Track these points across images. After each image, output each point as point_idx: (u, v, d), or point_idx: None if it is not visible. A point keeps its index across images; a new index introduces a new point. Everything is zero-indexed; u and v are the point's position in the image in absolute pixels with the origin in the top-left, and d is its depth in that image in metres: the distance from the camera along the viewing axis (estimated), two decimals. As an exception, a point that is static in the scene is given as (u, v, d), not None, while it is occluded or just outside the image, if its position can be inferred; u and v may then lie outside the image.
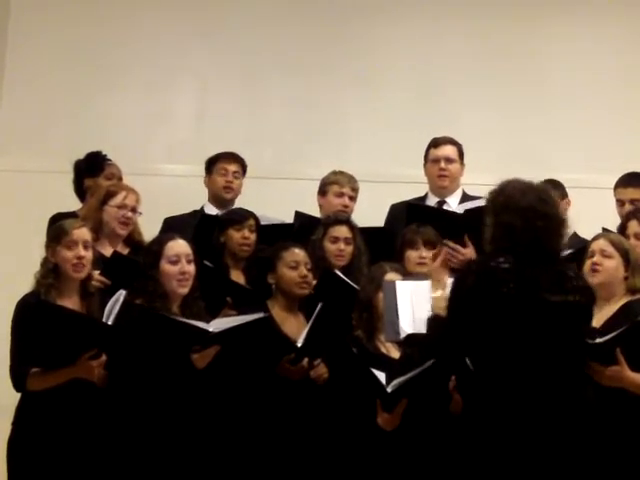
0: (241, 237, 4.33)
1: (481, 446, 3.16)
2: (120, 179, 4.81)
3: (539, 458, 3.12)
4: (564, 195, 4.88)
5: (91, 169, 4.75)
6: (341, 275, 4.14)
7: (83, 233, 3.76)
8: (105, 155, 4.84)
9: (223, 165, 4.88)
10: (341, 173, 4.82)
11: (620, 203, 4.70)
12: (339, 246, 4.30)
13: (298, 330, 3.88)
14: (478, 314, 3.15)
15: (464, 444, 3.25)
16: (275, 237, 4.31)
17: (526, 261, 3.17)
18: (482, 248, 3.45)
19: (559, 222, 3.28)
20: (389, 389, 3.39)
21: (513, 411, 3.13)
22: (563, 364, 3.19)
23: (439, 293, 3.41)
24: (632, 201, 4.64)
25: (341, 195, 4.76)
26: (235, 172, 4.89)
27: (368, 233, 4.43)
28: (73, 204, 4.70)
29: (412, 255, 4.14)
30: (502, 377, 3.16)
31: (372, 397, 3.46)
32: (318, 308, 3.79)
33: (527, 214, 3.21)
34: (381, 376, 3.46)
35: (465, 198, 4.69)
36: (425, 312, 3.49)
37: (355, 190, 4.80)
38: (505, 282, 3.13)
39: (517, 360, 3.15)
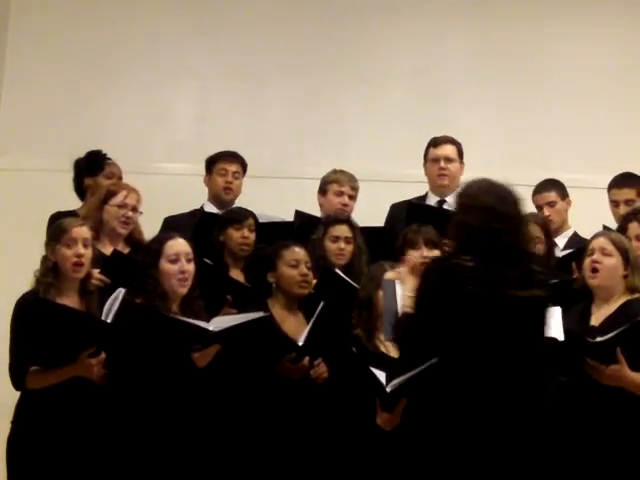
0: (240, 236, 4.32)
1: (444, 442, 3.17)
2: (120, 178, 4.80)
3: (504, 454, 3.12)
4: (565, 195, 4.88)
5: (91, 168, 4.74)
6: (341, 274, 4.14)
7: (82, 231, 3.75)
8: (105, 154, 4.82)
9: (223, 166, 4.86)
10: (341, 172, 4.83)
11: (615, 204, 4.69)
12: (339, 245, 4.31)
13: (298, 329, 3.88)
14: (444, 312, 3.17)
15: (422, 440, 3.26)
16: (275, 236, 4.30)
17: (489, 260, 3.18)
18: None
19: (519, 221, 3.28)
20: (388, 389, 3.39)
21: (482, 408, 3.13)
22: (531, 359, 3.19)
23: (410, 293, 3.42)
24: (627, 201, 4.64)
25: (341, 194, 4.76)
26: (235, 172, 4.87)
27: (368, 233, 4.43)
28: (73, 203, 4.70)
29: (413, 255, 4.12)
30: (471, 374, 3.16)
31: (372, 397, 3.45)
32: (320, 307, 3.78)
33: (485, 214, 3.23)
34: (381, 375, 3.45)
35: (465, 197, 4.68)
36: None
37: (355, 189, 4.80)
38: (469, 280, 3.15)
39: (485, 357, 3.15)
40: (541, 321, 3.24)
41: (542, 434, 3.17)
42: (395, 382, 3.39)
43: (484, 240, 3.21)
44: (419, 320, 3.24)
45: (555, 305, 3.70)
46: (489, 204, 3.24)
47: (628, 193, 4.67)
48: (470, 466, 3.12)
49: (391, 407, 3.44)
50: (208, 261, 4.12)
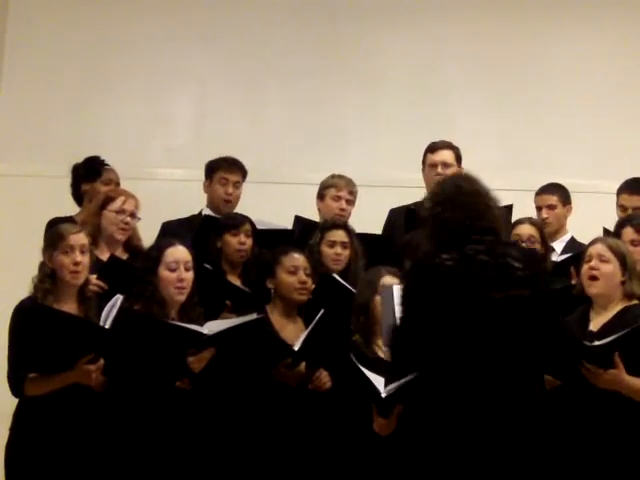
0: (237, 242, 4.30)
1: (436, 447, 3.16)
2: (118, 184, 4.78)
3: (491, 459, 3.10)
4: (567, 201, 4.84)
5: (89, 174, 4.71)
6: (340, 279, 4.13)
7: (80, 238, 3.74)
8: (103, 160, 4.80)
9: (224, 175, 4.78)
10: (339, 177, 4.82)
11: (622, 209, 4.66)
12: (336, 250, 4.30)
13: (297, 335, 3.86)
14: (428, 315, 3.15)
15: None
16: (275, 243, 4.29)
17: (463, 257, 3.16)
18: None
19: (473, 210, 3.24)
20: (383, 394, 3.38)
21: (463, 414, 3.11)
22: (513, 362, 3.16)
23: None
24: (635, 209, 4.60)
25: (338, 199, 4.76)
26: (236, 182, 4.79)
27: (365, 239, 4.42)
28: (71, 209, 4.69)
29: None
30: (456, 379, 3.14)
31: (368, 402, 3.45)
32: (320, 314, 3.75)
33: (447, 206, 3.24)
34: (379, 380, 3.44)
35: (464, 201, 4.66)
36: None
37: (353, 193, 4.79)
38: (448, 282, 3.14)
39: (468, 360, 3.13)
40: (524, 320, 3.18)
41: (528, 437, 3.14)
42: (390, 388, 3.39)
43: (450, 231, 3.21)
44: (406, 327, 3.22)
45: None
46: (450, 195, 3.26)
47: (638, 201, 4.63)
48: (458, 470, 3.11)
49: (387, 413, 3.44)
50: (208, 266, 4.11)
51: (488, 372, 3.14)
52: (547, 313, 3.26)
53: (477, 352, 3.13)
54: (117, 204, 4.27)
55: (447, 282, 3.13)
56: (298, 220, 4.70)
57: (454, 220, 3.22)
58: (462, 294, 3.13)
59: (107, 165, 4.80)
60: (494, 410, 3.12)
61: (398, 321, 3.26)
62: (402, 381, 3.36)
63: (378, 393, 3.37)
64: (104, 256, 4.15)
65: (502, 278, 3.15)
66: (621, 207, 4.68)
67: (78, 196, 4.74)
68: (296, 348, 3.75)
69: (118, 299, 3.59)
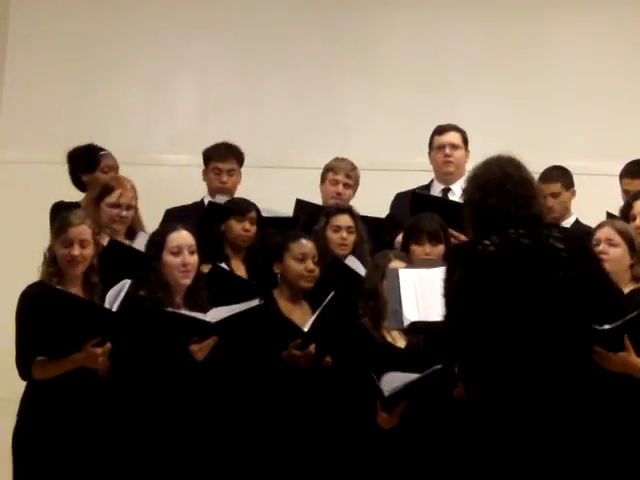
0: (241, 229, 4.27)
1: (485, 439, 3.11)
2: (117, 169, 4.73)
3: (546, 452, 3.07)
4: (570, 184, 4.78)
5: (87, 165, 4.63)
6: (348, 264, 4.12)
7: (80, 231, 3.71)
8: (99, 148, 4.72)
9: (216, 165, 4.75)
10: (340, 160, 4.79)
11: (626, 193, 4.62)
12: (341, 235, 4.28)
13: (304, 320, 3.85)
14: (474, 307, 3.10)
15: (466, 437, 3.21)
16: (281, 230, 4.29)
17: (506, 241, 3.11)
18: None
19: (520, 197, 3.16)
20: (386, 394, 3.37)
21: (515, 404, 3.07)
22: (566, 348, 3.12)
23: None
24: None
25: (335, 182, 4.73)
26: (230, 170, 4.76)
27: (370, 222, 4.41)
28: (74, 195, 4.67)
29: (417, 250, 4.08)
30: (502, 369, 3.09)
31: (372, 396, 3.44)
32: (331, 295, 3.74)
33: (489, 190, 3.17)
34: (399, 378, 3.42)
35: (470, 185, 4.65)
36: (430, 300, 3.49)
37: (351, 177, 4.75)
38: (494, 268, 3.09)
39: (517, 348, 3.08)
40: (573, 303, 3.12)
41: (584, 430, 3.10)
42: (393, 387, 3.38)
43: (493, 218, 3.14)
44: (454, 317, 3.14)
45: None
46: (496, 181, 3.18)
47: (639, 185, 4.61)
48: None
49: (390, 408, 3.43)
50: (225, 266, 4.10)
51: (541, 355, 3.08)
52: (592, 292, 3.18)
53: (528, 336, 3.07)
54: (113, 198, 4.25)
55: (493, 268, 3.09)
56: (300, 203, 4.68)
57: (498, 208, 3.16)
58: (509, 279, 3.08)
59: (103, 151, 4.71)
60: (550, 391, 3.07)
61: (444, 312, 3.18)
62: (406, 382, 3.35)
63: (381, 392, 3.36)
64: (105, 243, 4.12)
65: (547, 261, 3.11)
66: (625, 192, 4.66)
67: (80, 184, 4.69)
68: (306, 329, 3.73)
69: (126, 283, 3.60)
